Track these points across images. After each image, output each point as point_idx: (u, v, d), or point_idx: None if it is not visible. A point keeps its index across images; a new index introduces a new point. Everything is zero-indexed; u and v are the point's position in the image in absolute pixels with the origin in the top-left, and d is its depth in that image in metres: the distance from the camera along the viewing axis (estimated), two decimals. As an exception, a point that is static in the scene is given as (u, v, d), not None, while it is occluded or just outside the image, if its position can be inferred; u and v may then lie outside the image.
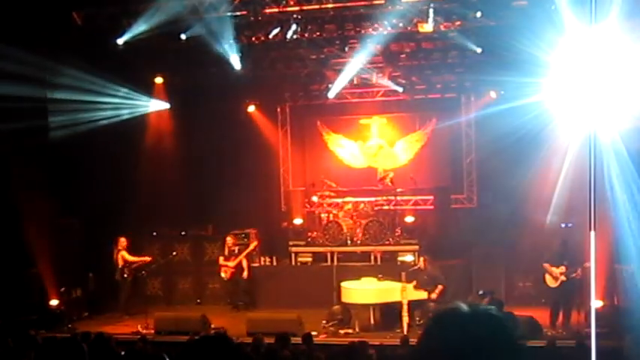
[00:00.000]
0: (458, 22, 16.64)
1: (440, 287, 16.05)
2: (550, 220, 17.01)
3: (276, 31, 17.18)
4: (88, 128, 18.38)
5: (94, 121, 18.53)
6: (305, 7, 16.67)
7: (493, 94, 20.11)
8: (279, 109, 22.69)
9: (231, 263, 18.91)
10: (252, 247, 19.37)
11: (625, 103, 14.34)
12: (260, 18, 16.87)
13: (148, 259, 19.01)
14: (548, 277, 15.93)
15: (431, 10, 16.08)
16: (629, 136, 14.49)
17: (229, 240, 19.24)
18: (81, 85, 17.95)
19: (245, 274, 18.97)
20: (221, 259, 19.12)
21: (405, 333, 14.82)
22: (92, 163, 19.06)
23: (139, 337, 14.57)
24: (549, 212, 16.98)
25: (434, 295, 15.95)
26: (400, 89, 20.53)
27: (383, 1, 16.09)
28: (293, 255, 19.87)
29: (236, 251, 19.07)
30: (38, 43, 16.30)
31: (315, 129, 22.42)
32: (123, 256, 18.60)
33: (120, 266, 18.57)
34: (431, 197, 20.82)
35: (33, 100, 16.87)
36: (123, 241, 18.73)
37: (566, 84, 16.55)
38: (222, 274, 19.02)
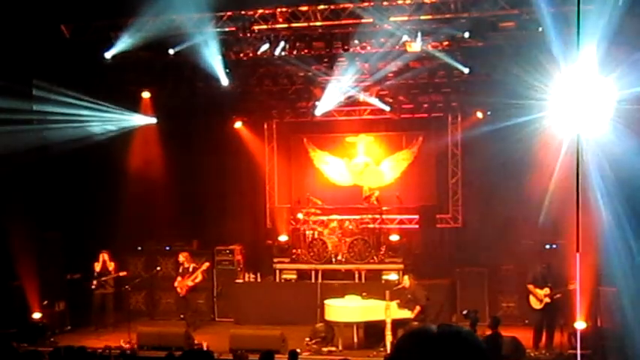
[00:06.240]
0: (446, 42, 16.71)
1: (418, 308, 16.03)
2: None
3: (264, 47, 17.19)
4: (73, 142, 18.29)
5: (79, 135, 18.45)
6: (293, 25, 16.70)
7: (480, 115, 20.16)
8: (265, 126, 22.66)
9: (190, 282, 18.64)
10: (204, 266, 18.91)
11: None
12: (248, 34, 16.88)
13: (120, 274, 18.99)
14: (532, 299, 15.95)
15: (419, 30, 16.14)
16: (617, 160, 14.53)
17: (181, 257, 18.95)
18: (67, 98, 17.91)
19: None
20: (178, 280, 18.79)
21: (389, 352, 14.75)
22: (78, 177, 19.01)
23: (119, 351, 14.49)
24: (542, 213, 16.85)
25: (411, 315, 15.93)
26: (387, 108, 20.56)
27: (371, 20, 16.13)
28: (277, 272, 19.82)
29: (190, 269, 18.75)
30: (25, 55, 16.26)
31: (302, 146, 22.39)
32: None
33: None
34: (416, 216, 20.80)
35: (18, 112, 16.81)
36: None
37: (552, 105, 16.66)
38: (178, 290, 18.77)
